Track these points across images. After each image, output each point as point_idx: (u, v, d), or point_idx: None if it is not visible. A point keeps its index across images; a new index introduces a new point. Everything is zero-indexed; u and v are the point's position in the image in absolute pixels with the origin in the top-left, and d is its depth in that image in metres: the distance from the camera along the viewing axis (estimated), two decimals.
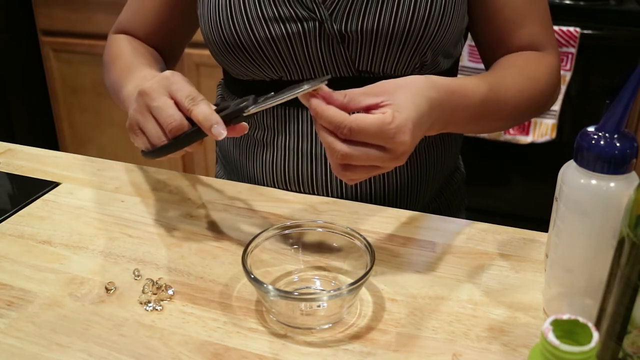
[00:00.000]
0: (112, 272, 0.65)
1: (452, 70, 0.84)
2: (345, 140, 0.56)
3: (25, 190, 0.82)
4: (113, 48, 0.86)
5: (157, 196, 0.80)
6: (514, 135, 1.72)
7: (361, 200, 0.81)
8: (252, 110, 0.60)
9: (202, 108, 0.60)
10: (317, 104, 0.57)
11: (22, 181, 0.85)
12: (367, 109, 0.58)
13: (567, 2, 1.65)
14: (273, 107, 0.80)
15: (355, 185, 0.80)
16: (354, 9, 0.72)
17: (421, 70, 0.77)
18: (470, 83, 0.67)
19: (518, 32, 0.78)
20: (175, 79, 0.62)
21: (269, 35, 0.74)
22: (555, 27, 1.58)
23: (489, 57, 0.82)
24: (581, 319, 0.42)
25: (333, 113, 0.56)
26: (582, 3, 1.64)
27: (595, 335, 0.40)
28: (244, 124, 0.61)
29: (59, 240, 0.71)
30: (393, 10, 0.72)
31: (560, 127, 1.70)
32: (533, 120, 1.67)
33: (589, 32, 1.59)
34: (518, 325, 0.57)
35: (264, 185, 0.84)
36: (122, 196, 0.80)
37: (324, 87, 0.58)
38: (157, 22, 0.87)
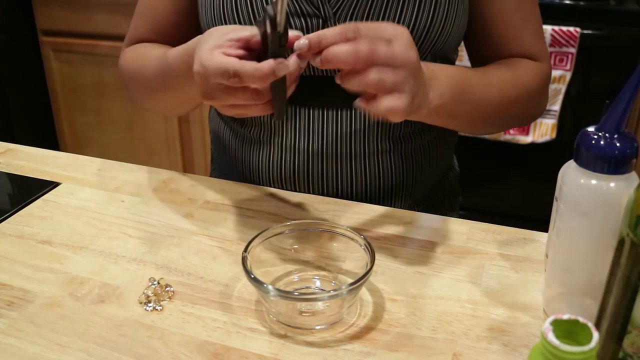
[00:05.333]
0: (112, 272, 0.65)
1: None
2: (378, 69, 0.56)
3: (25, 190, 0.82)
4: (134, 56, 0.84)
5: (157, 196, 0.80)
6: (514, 135, 1.72)
7: (356, 197, 0.81)
8: (281, 27, 0.55)
9: (249, 69, 0.56)
10: (313, 38, 0.56)
11: (22, 181, 0.85)
12: None
13: (567, 2, 1.65)
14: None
15: (351, 182, 0.80)
16: (358, 10, 0.72)
17: None
18: (456, 66, 0.69)
19: (511, 43, 0.80)
20: (206, 38, 0.60)
21: None
22: (555, 27, 1.58)
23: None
24: (581, 319, 0.42)
25: (337, 30, 0.56)
26: (582, 3, 1.64)
27: (595, 335, 0.40)
28: (296, 32, 0.58)
29: (59, 240, 0.71)
30: (396, 14, 0.72)
31: (560, 127, 1.70)
32: None
33: (589, 32, 1.59)
34: (518, 325, 0.57)
35: (260, 183, 0.84)
36: (122, 196, 0.80)
37: (303, 43, 0.55)
38: (168, 21, 0.86)
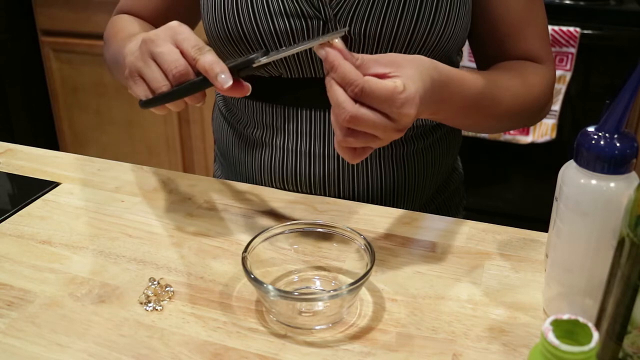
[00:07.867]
0: (112, 272, 0.65)
1: None
2: (355, 101, 0.55)
3: (25, 190, 0.82)
4: (116, 24, 0.85)
5: (157, 196, 0.80)
6: (514, 135, 1.72)
7: (358, 200, 0.81)
8: (263, 60, 0.59)
9: (209, 57, 0.59)
10: (334, 56, 0.55)
11: (22, 181, 0.85)
12: (375, 77, 0.57)
13: (567, 2, 1.65)
14: (273, 105, 0.80)
15: (352, 185, 0.80)
16: (359, 11, 0.72)
17: None
18: (469, 75, 0.68)
19: (516, 45, 0.80)
20: (182, 29, 0.61)
21: (272, 30, 0.74)
22: (555, 27, 1.58)
23: (485, 68, 0.83)
24: (581, 319, 0.42)
25: (349, 69, 0.55)
26: (582, 3, 1.64)
27: (595, 335, 0.40)
28: (247, 84, 0.60)
29: (59, 240, 0.71)
30: (397, 14, 0.72)
31: (560, 127, 1.70)
32: None
33: (589, 32, 1.59)
34: (518, 325, 0.57)
35: (261, 185, 0.84)
36: (122, 196, 0.80)
37: (338, 43, 0.56)
38: (160, 5, 0.87)
